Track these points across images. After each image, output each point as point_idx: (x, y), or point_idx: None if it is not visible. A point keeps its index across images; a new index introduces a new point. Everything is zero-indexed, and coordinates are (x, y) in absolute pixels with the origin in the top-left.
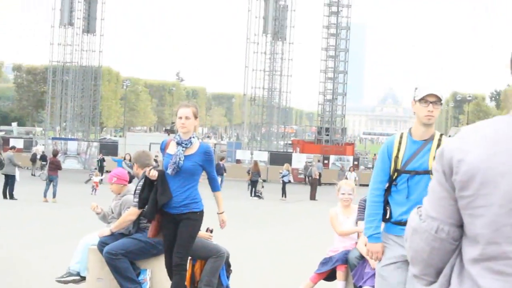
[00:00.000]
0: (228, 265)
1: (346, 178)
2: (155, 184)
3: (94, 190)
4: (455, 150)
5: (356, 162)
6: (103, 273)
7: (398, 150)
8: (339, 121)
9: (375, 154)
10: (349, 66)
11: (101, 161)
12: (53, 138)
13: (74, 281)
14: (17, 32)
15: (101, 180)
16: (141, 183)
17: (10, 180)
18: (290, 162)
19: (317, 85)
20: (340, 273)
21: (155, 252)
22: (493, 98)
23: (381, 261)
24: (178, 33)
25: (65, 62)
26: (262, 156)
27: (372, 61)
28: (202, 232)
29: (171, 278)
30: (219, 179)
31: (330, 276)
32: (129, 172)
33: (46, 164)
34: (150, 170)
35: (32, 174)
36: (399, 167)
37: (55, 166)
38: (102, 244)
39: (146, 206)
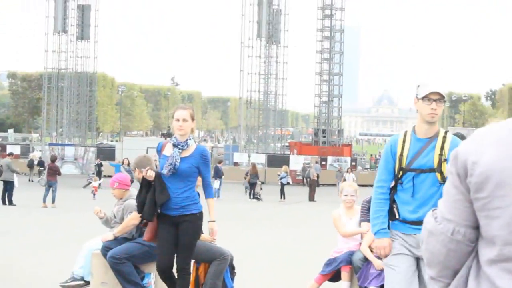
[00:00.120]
0: (232, 268)
1: (345, 180)
2: (153, 185)
3: (93, 195)
4: (469, 152)
5: (353, 163)
6: (107, 278)
7: (403, 148)
8: (335, 122)
9: (371, 155)
10: (344, 68)
11: (99, 166)
12: (50, 144)
13: (78, 286)
14: (11, 40)
15: (100, 184)
16: None
17: (8, 186)
18: (287, 164)
19: (312, 87)
20: (344, 274)
21: None
22: (488, 98)
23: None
24: (173, 38)
25: (60, 68)
26: (260, 159)
27: (366, 62)
28: (205, 235)
29: (164, 280)
30: (217, 182)
31: (335, 276)
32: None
33: (44, 170)
34: (147, 170)
35: (29, 180)
36: (404, 165)
37: (54, 172)
38: (105, 249)
39: (144, 208)
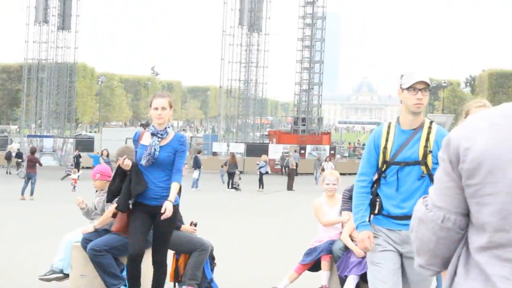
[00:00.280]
0: (212, 258)
1: (323, 168)
2: (128, 175)
3: (73, 187)
4: (461, 138)
5: (332, 152)
6: (87, 270)
7: (387, 140)
8: (315, 110)
9: (349, 143)
10: (324, 56)
11: (77, 157)
12: (29, 136)
13: (57, 279)
14: None
15: (78, 176)
16: None
17: None
18: (266, 153)
19: (293, 75)
20: (325, 263)
21: None
22: (467, 84)
23: (372, 250)
24: (153, 27)
25: (40, 59)
26: (239, 148)
27: (347, 50)
28: (186, 226)
29: (132, 268)
30: (196, 172)
31: (315, 266)
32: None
33: (22, 162)
34: (124, 159)
35: (7, 172)
36: (388, 158)
37: (34, 164)
38: (85, 241)
39: (118, 198)
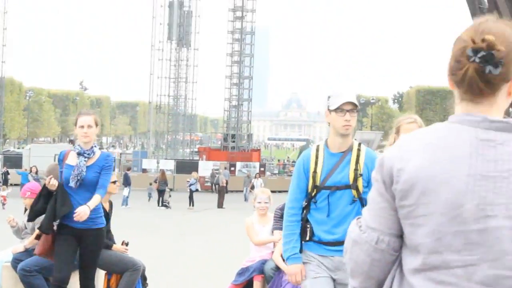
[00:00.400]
0: (144, 279)
1: (253, 186)
2: (54, 195)
3: (2, 204)
4: (395, 159)
5: (262, 169)
6: None
7: (316, 164)
8: (245, 127)
9: (278, 160)
10: (254, 71)
11: (5, 174)
12: None
13: None
14: None
15: (7, 193)
16: None
17: None
18: (197, 170)
19: (222, 91)
20: (257, 283)
21: None
22: (395, 101)
23: (305, 278)
24: (82, 40)
25: None
26: (169, 165)
27: (276, 65)
28: (117, 245)
29: None
30: (126, 190)
31: (247, 286)
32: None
33: None
34: (50, 178)
35: None
36: (318, 183)
37: None
38: (16, 261)
39: (43, 219)
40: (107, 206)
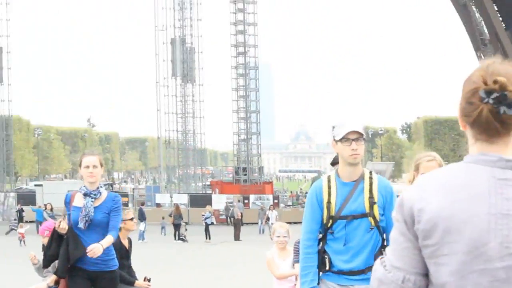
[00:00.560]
0: None
1: (268, 218)
2: (65, 239)
3: (21, 241)
4: (415, 199)
5: (276, 201)
6: None
7: (329, 194)
8: (255, 160)
9: (291, 192)
10: (260, 105)
11: (20, 211)
12: None
13: None
14: None
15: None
16: None
17: None
18: (210, 204)
19: (230, 125)
20: None
21: None
22: (404, 131)
23: None
24: (88, 78)
25: None
26: (182, 199)
27: (281, 99)
28: (140, 282)
29: None
30: (142, 224)
31: None
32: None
33: None
34: (59, 222)
35: None
36: (333, 213)
37: None
38: None
39: (57, 264)
40: (126, 243)
